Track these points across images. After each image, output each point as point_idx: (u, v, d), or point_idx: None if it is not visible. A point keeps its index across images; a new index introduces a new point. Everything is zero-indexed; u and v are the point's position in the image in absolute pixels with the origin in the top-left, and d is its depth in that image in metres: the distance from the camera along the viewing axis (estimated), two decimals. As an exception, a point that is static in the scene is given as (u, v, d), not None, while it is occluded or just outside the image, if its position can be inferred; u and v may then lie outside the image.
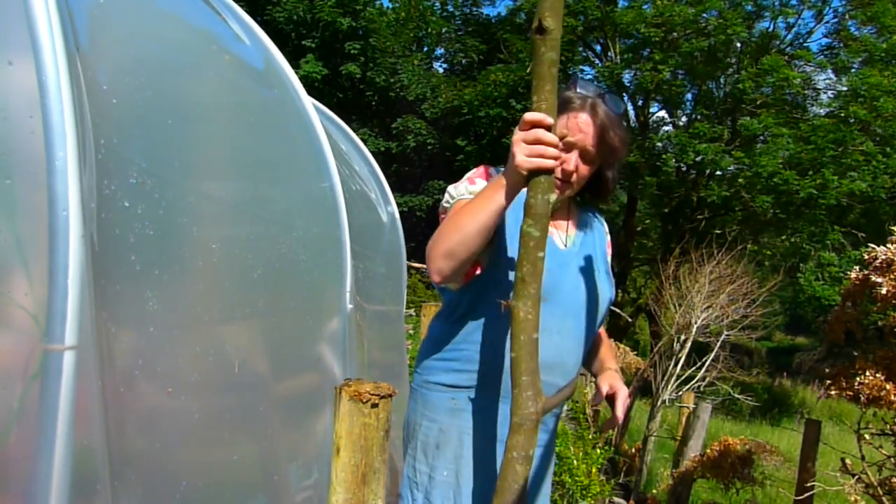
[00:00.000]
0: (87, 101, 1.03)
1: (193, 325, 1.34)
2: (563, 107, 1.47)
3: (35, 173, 0.97)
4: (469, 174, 1.57)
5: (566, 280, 1.52)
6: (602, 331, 1.74)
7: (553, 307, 1.46)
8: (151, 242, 1.19)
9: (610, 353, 1.73)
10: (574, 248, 1.58)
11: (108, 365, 1.05)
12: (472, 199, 1.38)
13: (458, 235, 1.34)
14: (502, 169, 1.39)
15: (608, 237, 1.71)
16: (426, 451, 1.50)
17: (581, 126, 1.46)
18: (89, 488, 0.99)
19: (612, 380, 1.61)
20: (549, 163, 1.17)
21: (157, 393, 1.21)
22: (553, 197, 1.19)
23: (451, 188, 1.55)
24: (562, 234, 1.58)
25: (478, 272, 1.49)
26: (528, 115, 1.18)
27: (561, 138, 1.41)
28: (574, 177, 1.48)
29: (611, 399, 1.59)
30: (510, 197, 1.28)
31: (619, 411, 1.56)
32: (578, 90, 1.50)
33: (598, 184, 1.58)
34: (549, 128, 1.18)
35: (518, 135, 1.19)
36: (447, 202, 1.53)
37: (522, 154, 1.18)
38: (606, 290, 1.60)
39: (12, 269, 1.00)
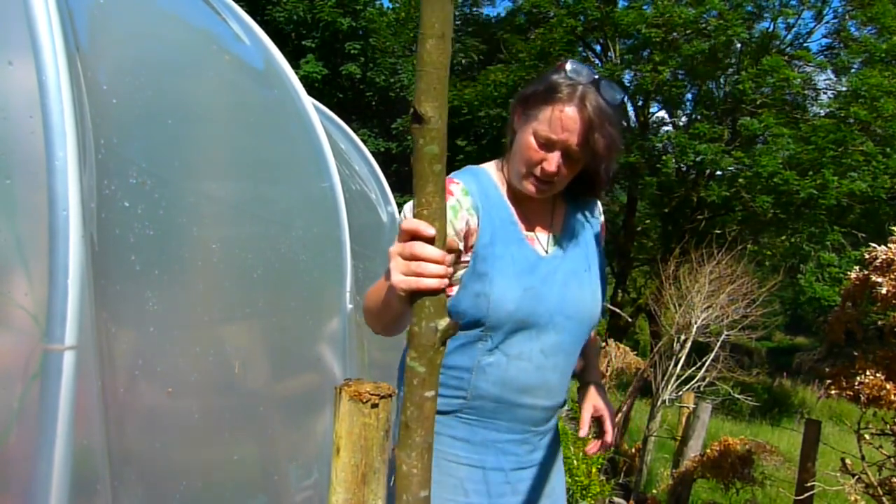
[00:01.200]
0: (87, 101, 1.03)
1: (193, 325, 1.34)
2: (549, 95, 1.29)
3: (35, 173, 0.97)
4: None
5: (549, 294, 1.36)
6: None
7: (532, 331, 1.34)
8: (151, 242, 1.19)
9: (593, 358, 1.58)
10: (560, 251, 1.42)
11: (108, 365, 1.05)
12: (375, 288, 1.23)
13: (374, 319, 1.26)
14: (461, 174, 1.36)
15: (601, 218, 1.54)
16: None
17: (565, 122, 1.27)
18: (89, 488, 0.99)
19: (594, 400, 1.50)
20: (431, 283, 0.92)
21: (157, 393, 1.21)
22: (444, 323, 0.94)
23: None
24: (544, 237, 1.42)
25: (451, 293, 1.32)
26: (405, 224, 0.95)
27: (544, 139, 1.29)
28: (556, 177, 1.32)
29: (597, 420, 1.50)
30: (403, 306, 0.99)
31: (609, 436, 1.48)
32: (569, 74, 1.29)
33: (588, 178, 1.41)
34: (431, 240, 0.93)
35: (395, 247, 0.97)
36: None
37: (398, 272, 0.94)
38: (597, 293, 1.44)
39: (12, 269, 1.00)
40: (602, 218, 1.55)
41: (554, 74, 1.31)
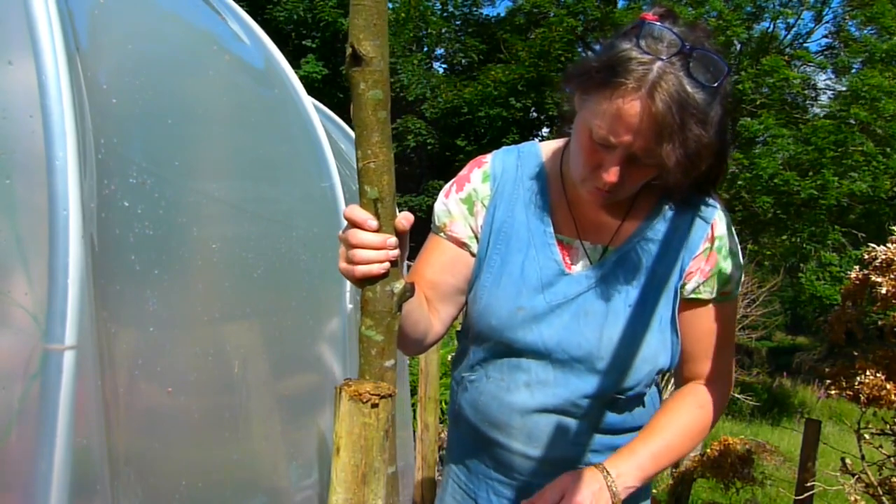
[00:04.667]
0: (87, 101, 1.03)
1: (193, 324, 1.34)
2: (610, 77, 0.90)
3: (35, 173, 0.97)
4: (460, 174, 1.18)
5: (553, 320, 1.07)
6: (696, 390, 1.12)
7: (521, 359, 1.10)
8: (151, 242, 1.19)
9: (650, 440, 1.07)
10: (599, 270, 1.08)
11: (108, 365, 1.05)
12: None
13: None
14: (502, 152, 1.16)
15: (706, 242, 1.07)
16: None
17: (627, 121, 0.90)
18: (89, 488, 0.99)
19: (574, 488, 1.01)
20: (367, 269, 0.84)
21: (157, 393, 1.21)
22: (399, 286, 0.87)
23: (437, 205, 1.17)
24: (594, 248, 1.10)
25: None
26: (346, 211, 0.87)
27: (601, 138, 0.95)
28: (618, 186, 0.98)
29: None
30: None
31: None
32: (642, 44, 0.90)
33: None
34: (377, 226, 0.84)
35: (339, 234, 0.89)
36: (433, 221, 1.18)
37: (342, 260, 0.88)
38: (642, 337, 1.06)
39: (12, 269, 1.00)
40: (708, 243, 1.07)
41: (625, 41, 0.92)
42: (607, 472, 1.02)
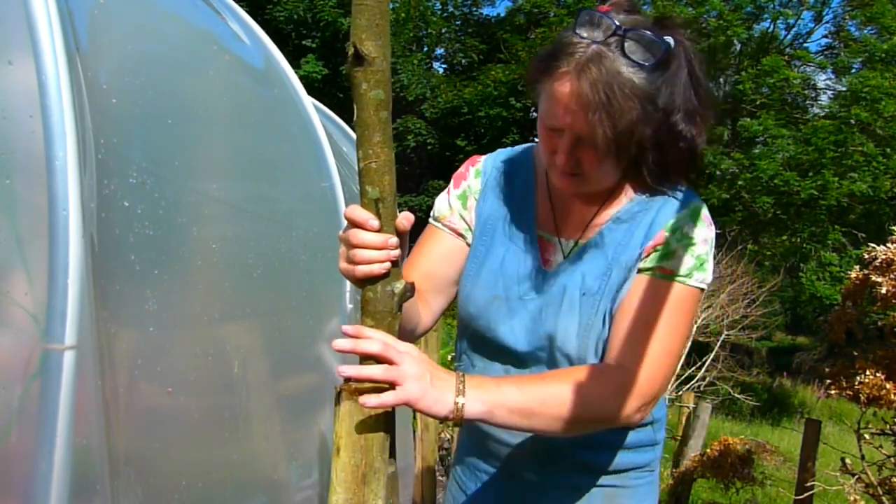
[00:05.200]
0: (87, 101, 1.03)
1: (193, 324, 1.34)
2: (549, 63, 0.95)
3: (35, 173, 0.97)
4: (458, 171, 1.21)
5: (521, 312, 1.09)
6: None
7: (498, 347, 1.12)
8: (151, 242, 1.19)
9: (526, 379, 1.03)
10: (568, 265, 1.10)
11: (108, 365, 1.05)
12: None
13: None
14: (496, 153, 1.20)
15: (658, 230, 1.06)
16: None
17: (564, 101, 0.93)
18: (89, 488, 0.99)
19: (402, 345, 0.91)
20: (368, 269, 0.86)
21: (157, 393, 1.21)
22: (400, 286, 0.87)
23: (437, 200, 1.21)
24: (569, 244, 1.12)
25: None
26: (347, 212, 0.88)
27: (548, 123, 0.99)
28: (580, 169, 1.00)
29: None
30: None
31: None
32: (579, 30, 0.94)
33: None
34: (376, 224, 0.86)
35: (341, 233, 0.91)
36: (432, 214, 1.22)
37: (342, 260, 0.90)
38: (579, 323, 1.06)
39: (12, 269, 1.00)
40: (662, 231, 1.06)
41: (568, 29, 0.97)
42: (464, 386, 0.92)
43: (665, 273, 1.04)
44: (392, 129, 0.85)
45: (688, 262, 1.04)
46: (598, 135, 0.93)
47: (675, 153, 1.01)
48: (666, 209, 1.07)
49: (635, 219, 1.08)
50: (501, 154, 1.20)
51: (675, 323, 1.02)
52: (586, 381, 0.97)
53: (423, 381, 0.88)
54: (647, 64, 0.92)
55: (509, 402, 0.93)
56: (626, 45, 0.92)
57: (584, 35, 0.93)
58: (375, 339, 0.87)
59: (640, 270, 1.06)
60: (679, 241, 1.05)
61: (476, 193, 1.18)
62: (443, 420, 0.91)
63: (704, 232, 1.06)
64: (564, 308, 1.07)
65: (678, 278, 1.03)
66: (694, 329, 5.89)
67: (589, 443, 1.11)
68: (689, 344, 5.91)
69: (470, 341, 1.18)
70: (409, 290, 0.90)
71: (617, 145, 0.94)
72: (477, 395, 0.91)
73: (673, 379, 5.84)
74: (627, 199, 1.10)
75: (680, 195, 1.08)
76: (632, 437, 1.16)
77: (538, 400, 0.95)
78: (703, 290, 1.07)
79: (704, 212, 1.08)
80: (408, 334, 1.12)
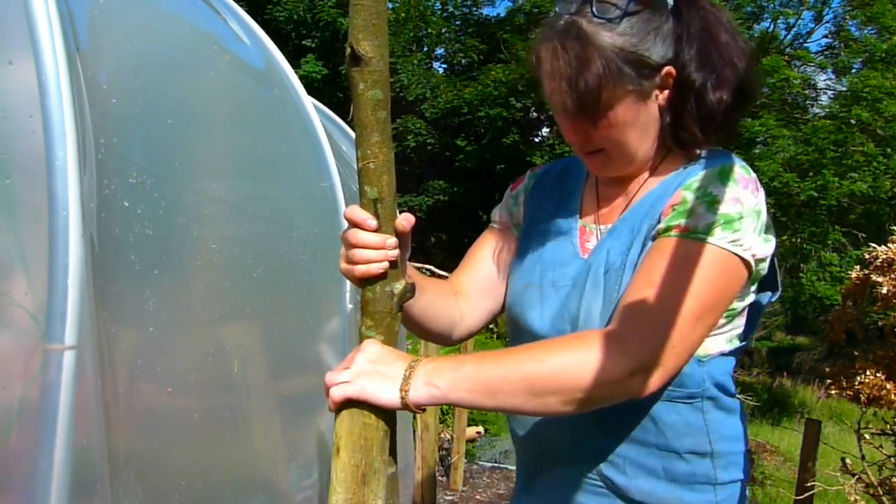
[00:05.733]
0: (87, 101, 1.03)
1: (193, 324, 1.34)
2: (533, 47, 1.01)
3: (35, 173, 0.97)
4: (516, 179, 1.25)
5: (551, 299, 1.06)
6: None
7: (531, 339, 1.06)
8: (151, 242, 1.19)
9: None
10: (599, 250, 1.06)
11: (108, 365, 1.05)
12: None
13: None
14: (559, 160, 1.22)
15: (676, 192, 0.99)
16: None
17: (548, 73, 0.96)
18: (89, 488, 0.99)
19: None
20: (372, 268, 0.86)
21: (157, 393, 1.21)
22: (399, 286, 0.87)
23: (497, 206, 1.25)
24: (604, 230, 1.07)
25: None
26: (346, 212, 0.88)
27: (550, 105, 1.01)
28: (591, 146, 1.00)
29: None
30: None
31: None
32: (556, 7, 0.97)
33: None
34: (374, 224, 0.86)
35: (341, 234, 0.91)
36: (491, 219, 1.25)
37: (342, 261, 0.89)
38: (602, 301, 1.00)
39: (12, 269, 1.00)
40: (681, 191, 0.98)
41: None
42: (411, 372, 0.87)
43: (680, 231, 0.94)
44: (391, 129, 0.86)
45: (707, 218, 0.93)
46: (566, 103, 0.94)
47: (694, 109, 0.97)
48: (693, 171, 1.00)
49: (665, 188, 1.01)
50: (562, 160, 1.23)
51: (684, 282, 0.90)
52: (558, 348, 0.90)
53: (372, 376, 0.85)
54: (614, 16, 0.92)
55: (466, 381, 0.86)
56: (594, 7, 0.92)
57: (560, 10, 0.96)
58: (335, 384, 0.86)
59: (656, 235, 0.97)
60: (700, 198, 0.95)
61: (529, 191, 1.20)
62: (398, 409, 0.87)
63: (737, 192, 0.94)
64: (589, 287, 1.01)
65: (693, 235, 0.92)
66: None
67: (615, 461, 1.01)
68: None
69: (511, 331, 1.15)
70: (409, 291, 0.91)
71: (581, 102, 0.93)
72: (423, 379, 0.85)
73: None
74: (669, 174, 1.04)
75: (713, 157, 1.01)
76: (680, 466, 1.01)
77: (499, 376, 0.86)
78: (734, 254, 0.92)
79: (740, 172, 0.96)
80: (443, 337, 1.13)
